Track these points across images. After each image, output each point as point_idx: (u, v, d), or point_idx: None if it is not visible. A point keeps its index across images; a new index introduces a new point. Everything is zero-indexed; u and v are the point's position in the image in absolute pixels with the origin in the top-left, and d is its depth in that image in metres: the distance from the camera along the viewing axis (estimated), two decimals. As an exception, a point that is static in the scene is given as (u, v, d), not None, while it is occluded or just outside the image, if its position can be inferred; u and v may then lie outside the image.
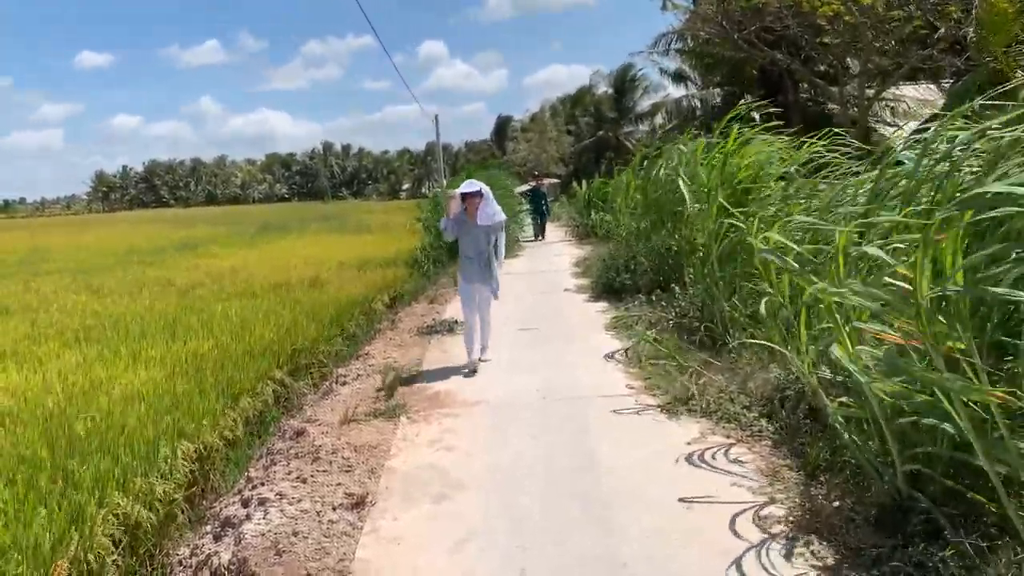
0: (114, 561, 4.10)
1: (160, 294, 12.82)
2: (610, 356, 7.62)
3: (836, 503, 3.86)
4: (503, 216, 7.63)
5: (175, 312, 10.55)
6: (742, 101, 23.59)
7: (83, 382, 6.71)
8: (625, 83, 43.59)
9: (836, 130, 7.55)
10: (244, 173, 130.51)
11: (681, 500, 4.20)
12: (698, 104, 32.82)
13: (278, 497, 4.41)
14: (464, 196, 7.46)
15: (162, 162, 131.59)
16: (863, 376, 3.42)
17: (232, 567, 3.71)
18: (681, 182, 8.56)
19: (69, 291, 13.60)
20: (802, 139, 7.76)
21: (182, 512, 4.93)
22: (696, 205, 8.51)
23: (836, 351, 3.60)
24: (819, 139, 7.38)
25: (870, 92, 18.85)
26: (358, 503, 4.34)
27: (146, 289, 13.50)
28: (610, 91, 44.95)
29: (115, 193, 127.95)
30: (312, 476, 4.73)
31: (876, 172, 5.18)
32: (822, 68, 20.46)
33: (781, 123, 8.63)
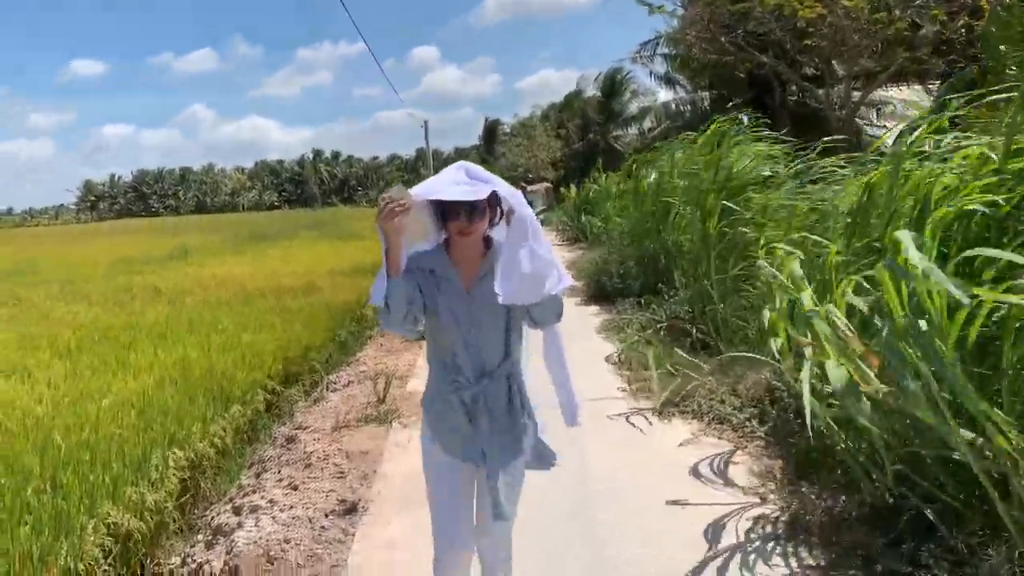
0: (104, 571, 4.08)
1: (150, 303, 12.76)
2: (602, 360, 7.62)
3: (827, 502, 3.87)
4: (567, 277, 2.62)
5: (165, 321, 10.50)
6: (731, 103, 23.73)
7: (73, 391, 6.68)
8: (613, 87, 43.69)
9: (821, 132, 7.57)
10: (233, 181, 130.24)
11: (672, 501, 4.21)
12: (687, 107, 32.92)
13: (270, 504, 4.40)
14: (446, 209, 2.55)
15: (151, 170, 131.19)
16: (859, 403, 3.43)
17: (224, 575, 3.70)
18: (671, 186, 8.61)
19: (58, 301, 13.53)
20: (792, 141, 7.82)
21: (173, 521, 4.90)
22: (686, 209, 8.55)
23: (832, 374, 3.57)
24: (810, 143, 7.41)
25: (857, 94, 18.92)
26: (350, 509, 4.33)
27: (136, 298, 13.44)
28: (598, 95, 45.05)
29: (103, 202, 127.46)
30: (304, 483, 4.72)
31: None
32: (809, 71, 20.54)
33: (769, 124, 8.66)
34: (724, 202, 7.19)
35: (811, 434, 4.52)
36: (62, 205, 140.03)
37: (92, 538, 4.11)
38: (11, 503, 4.31)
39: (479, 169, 2.56)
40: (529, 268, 2.43)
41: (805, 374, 3.57)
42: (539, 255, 2.45)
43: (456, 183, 2.48)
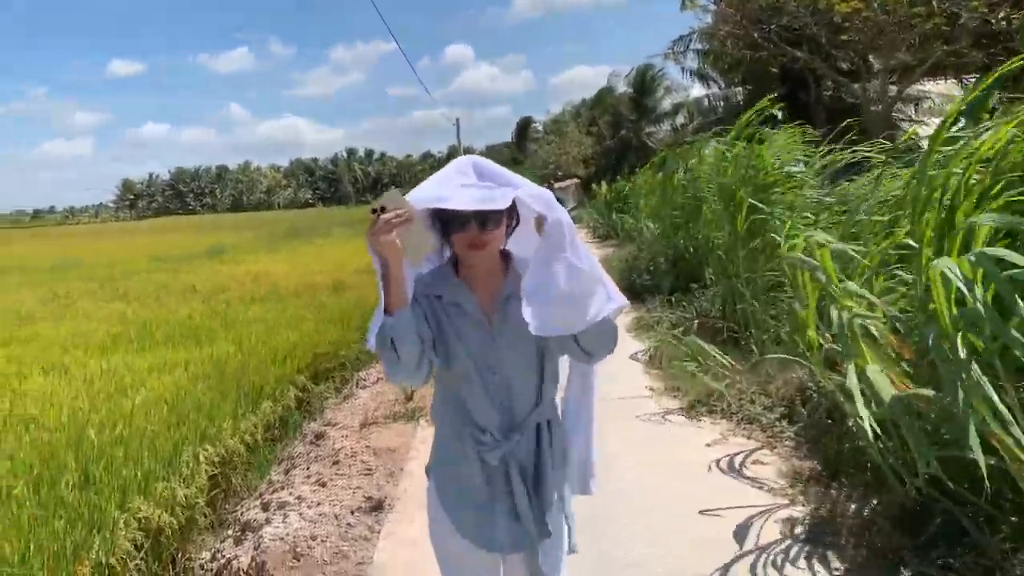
0: (136, 565, 4.14)
1: (185, 300, 12.97)
2: (632, 358, 7.58)
3: (857, 504, 3.82)
4: (619, 296, 2.15)
5: (200, 317, 10.67)
6: (764, 99, 23.47)
7: (108, 387, 6.80)
8: (645, 83, 43.41)
9: (857, 127, 7.42)
10: (269, 179, 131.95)
11: (700, 502, 4.17)
12: (720, 103, 32.68)
13: (297, 501, 4.44)
14: (449, 217, 1.98)
15: (188, 169, 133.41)
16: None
17: (251, 571, 3.74)
18: (702, 182, 8.54)
19: (96, 298, 13.81)
20: (827, 138, 7.70)
21: (204, 516, 4.97)
22: (717, 205, 8.46)
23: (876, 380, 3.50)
24: (845, 138, 7.31)
25: (893, 89, 18.63)
26: (377, 506, 4.35)
27: (172, 295, 13.67)
28: (630, 91, 44.79)
29: (142, 201, 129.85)
30: (331, 480, 4.75)
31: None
32: (844, 66, 20.26)
33: (803, 122, 8.55)
34: (751, 200, 7.11)
35: (845, 436, 4.47)
36: (102, 203, 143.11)
37: (124, 532, 4.18)
38: (46, 497, 4.39)
39: (491, 165, 2.01)
40: (568, 288, 1.86)
41: (852, 381, 3.51)
42: (580, 270, 1.87)
43: (465, 185, 1.94)
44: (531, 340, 1.98)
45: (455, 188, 1.91)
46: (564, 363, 2.19)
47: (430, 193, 1.93)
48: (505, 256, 2.10)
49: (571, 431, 2.25)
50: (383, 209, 1.83)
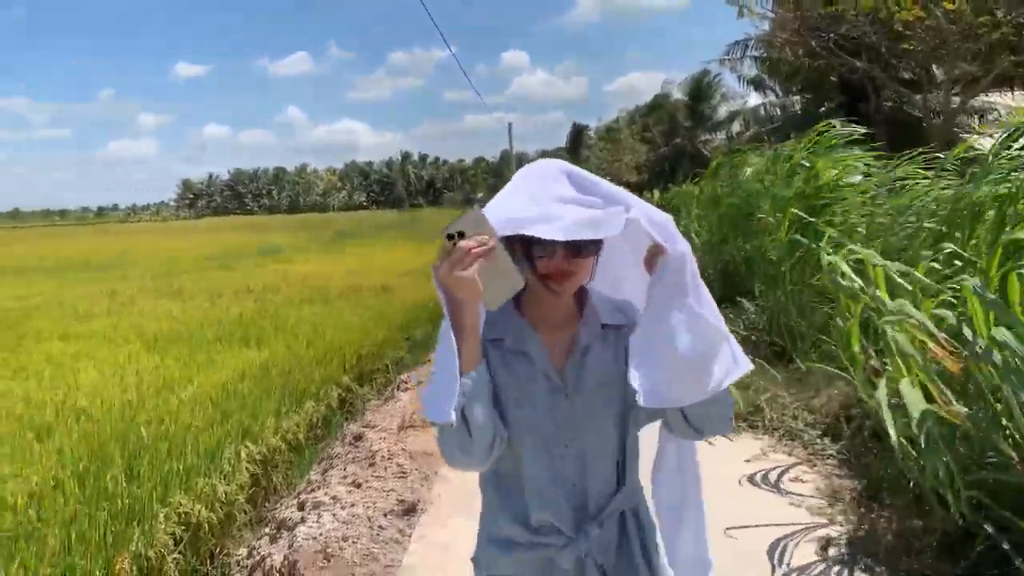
0: (175, 559, 4.22)
1: (236, 299, 13.21)
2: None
3: (897, 527, 3.71)
4: (744, 358, 1.47)
5: (250, 316, 10.85)
6: (823, 109, 23.06)
7: (157, 383, 6.95)
8: (700, 89, 42.92)
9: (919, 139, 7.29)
10: (325, 181, 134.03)
11: (735, 518, 4.10)
12: (777, 112, 32.16)
13: (332, 501, 4.48)
14: (531, 243, 1.42)
15: (246, 170, 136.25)
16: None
17: (283, 570, 3.78)
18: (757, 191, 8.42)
19: (150, 295, 14.15)
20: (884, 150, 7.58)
21: (244, 513, 5.04)
22: (769, 216, 8.33)
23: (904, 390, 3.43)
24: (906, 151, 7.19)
25: (956, 100, 18.12)
26: (409, 510, 4.37)
27: (224, 294, 13.93)
28: (685, 99, 44.37)
29: (201, 200, 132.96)
30: (367, 481, 4.78)
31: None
32: (906, 76, 19.77)
33: (865, 132, 8.40)
34: (797, 211, 7.00)
35: (888, 455, 4.35)
36: (163, 202, 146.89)
37: (163, 526, 4.26)
38: (91, 489, 4.51)
39: (590, 176, 1.50)
40: (691, 345, 1.38)
41: (882, 392, 3.44)
42: (705, 320, 1.40)
43: (562, 200, 1.43)
44: (615, 404, 1.58)
45: (550, 204, 1.42)
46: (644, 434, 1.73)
47: (519, 212, 1.40)
48: (579, 292, 1.60)
49: (674, 521, 1.84)
50: (461, 235, 1.32)
